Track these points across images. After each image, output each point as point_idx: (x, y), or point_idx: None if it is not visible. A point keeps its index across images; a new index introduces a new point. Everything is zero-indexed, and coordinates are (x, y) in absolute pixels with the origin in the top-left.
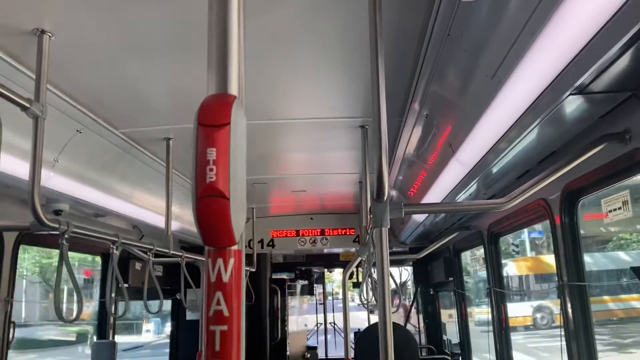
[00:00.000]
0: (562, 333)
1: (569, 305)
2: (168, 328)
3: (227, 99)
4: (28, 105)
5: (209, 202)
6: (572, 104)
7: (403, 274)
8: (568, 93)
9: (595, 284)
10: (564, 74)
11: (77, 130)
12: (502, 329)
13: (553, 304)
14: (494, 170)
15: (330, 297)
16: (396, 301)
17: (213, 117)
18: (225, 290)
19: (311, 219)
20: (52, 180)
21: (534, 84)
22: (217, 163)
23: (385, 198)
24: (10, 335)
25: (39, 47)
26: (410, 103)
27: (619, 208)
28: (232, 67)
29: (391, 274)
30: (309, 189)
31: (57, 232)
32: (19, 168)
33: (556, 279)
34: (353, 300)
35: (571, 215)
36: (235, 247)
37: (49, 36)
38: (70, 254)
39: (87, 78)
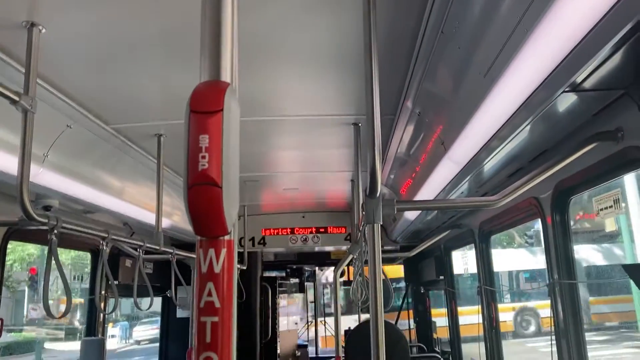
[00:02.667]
0: (552, 331)
1: (559, 303)
2: (137, 332)
3: (220, 86)
4: (17, 99)
5: (201, 191)
6: (565, 102)
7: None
8: (561, 90)
9: (586, 282)
10: (557, 71)
11: (67, 126)
12: (492, 327)
13: None
14: (486, 168)
15: (322, 298)
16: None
17: (205, 103)
18: (216, 281)
19: (303, 217)
20: (42, 175)
21: (527, 81)
22: (210, 150)
23: (377, 194)
24: None
25: (29, 40)
26: (403, 101)
27: (610, 206)
28: (226, 54)
29: (383, 272)
30: (301, 187)
31: (47, 228)
32: (8, 163)
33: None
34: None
35: (562, 214)
36: (227, 237)
37: (40, 29)
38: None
39: (78, 72)
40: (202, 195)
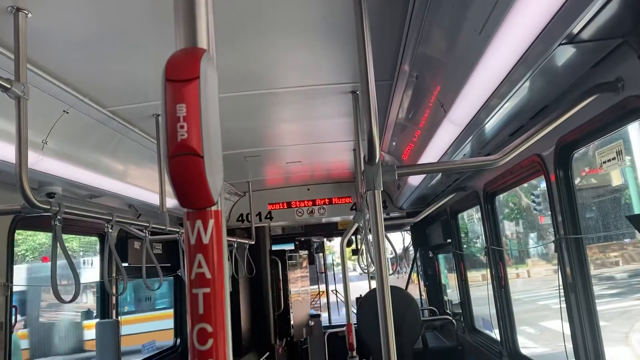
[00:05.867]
0: (560, 286)
1: (566, 258)
2: None
3: (195, 52)
4: (8, 86)
5: (182, 161)
6: (563, 55)
7: (406, 238)
8: (558, 43)
9: (591, 235)
10: (552, 23)
11: (64, 111)
12: (501, 285)
13: None
14: (487, 128)
15: (332, 268)
16: (394, 266)
17: (181, 71)
18: (206, 252)
19: (308, 189)
20: (42, 162)
21: (523, 35)
22: (188, 120)
23: (377, 161)
24: (13, 320)
25: (16, 25)
26: (399, 65)
27: (613, 159)
28: (201, 20)
29: (387, 237)
30: (303, 160)
31: (50, 214)
32: (8, 152)
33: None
34: (355, 270)
35: (566, 169)
36: (214, 208)
37: (26, 14)
38: None
39: (70, 56)
40: (184, 165)
